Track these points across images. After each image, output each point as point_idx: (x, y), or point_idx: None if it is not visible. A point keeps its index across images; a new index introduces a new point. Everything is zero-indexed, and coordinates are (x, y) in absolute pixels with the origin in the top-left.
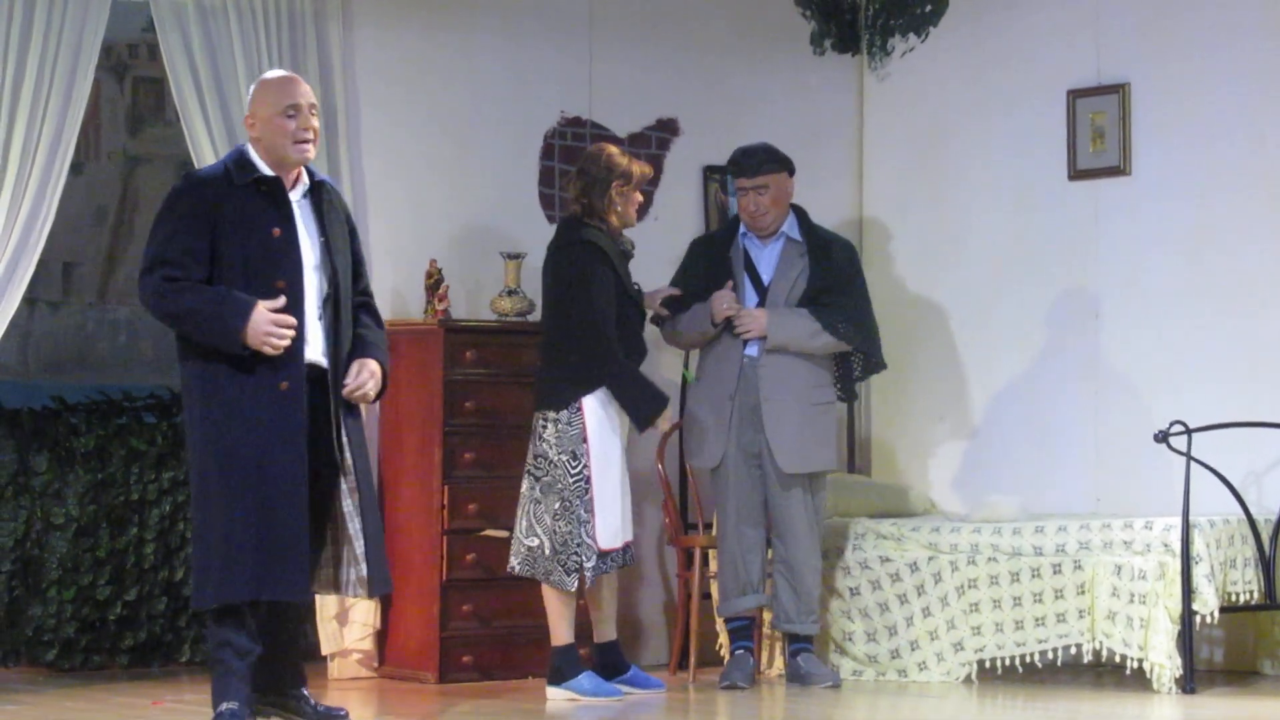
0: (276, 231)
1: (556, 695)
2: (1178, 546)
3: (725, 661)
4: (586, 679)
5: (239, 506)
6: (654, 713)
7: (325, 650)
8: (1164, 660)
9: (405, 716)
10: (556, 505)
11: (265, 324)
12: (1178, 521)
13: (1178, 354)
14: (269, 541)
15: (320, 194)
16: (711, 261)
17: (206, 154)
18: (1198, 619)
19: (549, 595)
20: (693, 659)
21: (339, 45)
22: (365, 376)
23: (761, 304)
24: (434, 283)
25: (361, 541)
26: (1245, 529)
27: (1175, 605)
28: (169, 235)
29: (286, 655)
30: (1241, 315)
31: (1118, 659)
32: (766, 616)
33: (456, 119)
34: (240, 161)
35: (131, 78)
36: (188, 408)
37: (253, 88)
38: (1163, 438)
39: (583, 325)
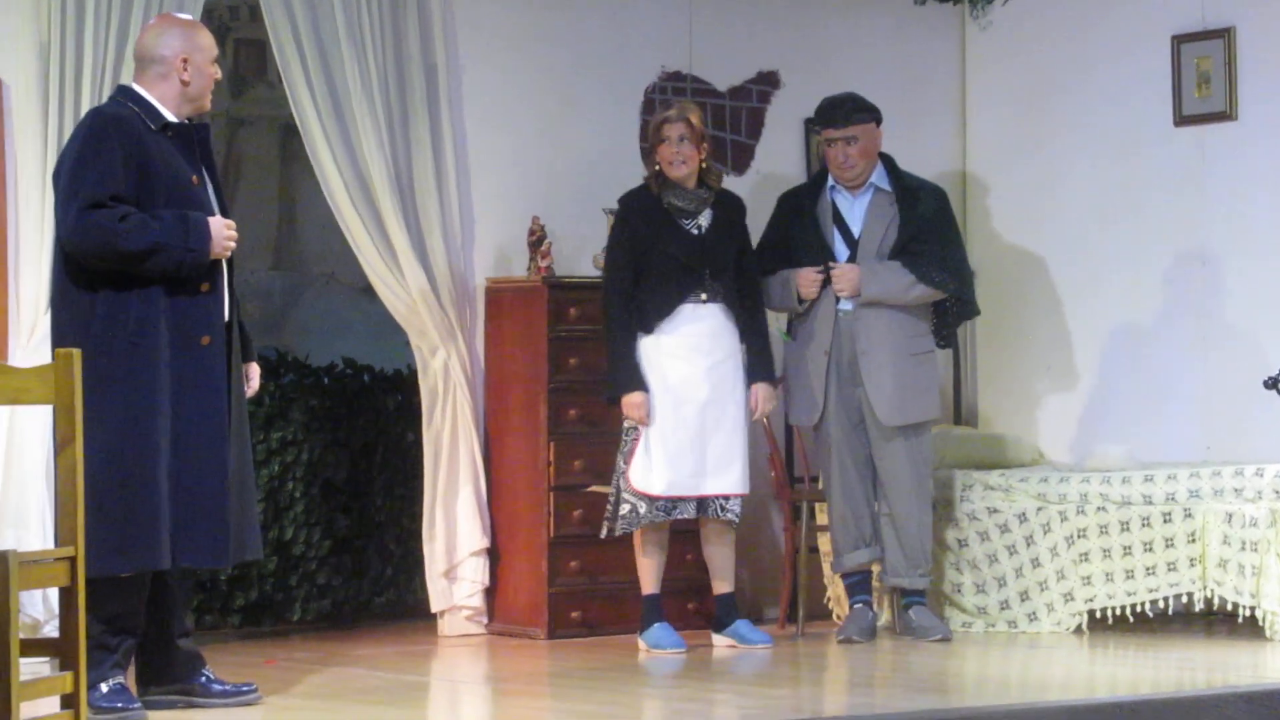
0: (195, 179)
1: (641, 645)
2: None
3: (843, 616)
4: (655, 631)
5: (157, 466)
6: (762, 665)
7: (435, 607)
8: (1276, 608)
9: (515, 672)
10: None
11: (222, 234)
12: None
13: None
14: (184, 504)
15: (206, 138)
16: (800, 217)
17: (309, 115)
18: None
19: None
20: (801, 612)
21: (439, 3)
22: (255, 384)
23: (853, 257)
24: (537, 240)
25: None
26: None
27: None
28: (103, 173)
29: (175, 638)
30: None
31: (1229, 607)
32: (875, 569)
33: (557, 75)
34: (144, 105)
35: (233, 40)
36: (100, 358)
37: (170, 28)
38: (1273, 384)
39: None
